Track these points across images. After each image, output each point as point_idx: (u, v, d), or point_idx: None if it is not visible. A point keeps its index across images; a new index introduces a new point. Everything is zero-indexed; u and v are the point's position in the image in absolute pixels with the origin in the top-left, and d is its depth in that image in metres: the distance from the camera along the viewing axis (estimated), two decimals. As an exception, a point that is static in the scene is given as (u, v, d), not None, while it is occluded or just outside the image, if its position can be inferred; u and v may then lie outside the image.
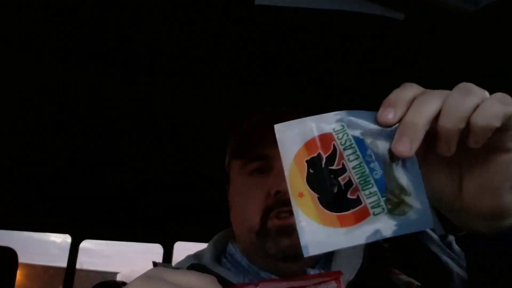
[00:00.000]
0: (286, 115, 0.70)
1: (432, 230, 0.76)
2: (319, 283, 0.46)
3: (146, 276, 0.43)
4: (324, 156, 0.39)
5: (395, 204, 0.38)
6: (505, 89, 0.41)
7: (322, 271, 0.67)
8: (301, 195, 0.39)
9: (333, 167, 0.39)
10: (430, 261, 0.68)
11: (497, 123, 0.37)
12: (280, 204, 0.66)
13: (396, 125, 0.39)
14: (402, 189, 0.38)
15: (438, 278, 0.65)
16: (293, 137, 0.40)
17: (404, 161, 0.38)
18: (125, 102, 1.13)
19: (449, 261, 0.68)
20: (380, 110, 0.40)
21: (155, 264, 0.70)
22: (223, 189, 0.80)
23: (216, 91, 1.04)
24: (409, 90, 0.40)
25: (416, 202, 0.38)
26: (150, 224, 2.12)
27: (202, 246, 0.79)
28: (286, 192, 0.65)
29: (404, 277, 0.65)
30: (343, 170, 0.39)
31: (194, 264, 0.70)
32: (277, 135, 0.40)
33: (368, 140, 0.39)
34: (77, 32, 0.81)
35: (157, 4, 0.73)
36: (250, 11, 0.69)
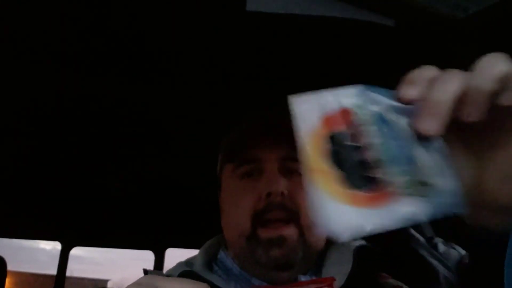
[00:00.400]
0: (278, 118, 0.70)
1: (421, 232, 0.76)
2: (312, 290, 0.46)
3: (137, 284, 0.43)
4: (345, 132, 0.36)
5: (424, 186, 0.35)
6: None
7: (314, 278, 0.67)
8: (319, 172, 0.35)
9: (355, 144, 0.36)
10: (418, 265, 0.68)
11: None
12: (271, 207, 0.66)
13: (419, 103, 0.36)
14: (430, 170, 0.35)
15: (426, 281, 0.66)
16: (311, 110, 0.37)
17: (429, 140, 0.36)
18: (116, 108, 1.12)
19: (436, 263, 0.68)
20: (400, 87, 0.37)
21: (146, 271, 0.70)
22: (215, 196, 0.80)
23: (208, 97, 1.04)
24: (429, 69, 0.38)
25: (445, 184, 0.35)
26: (141, 231, 2.11)
27: (193, 252, 0.78)
28: (277, 194, 0.66)
29: (392, 281, 0.66)
30: (365, 147, 0.36)
31: (186, 271, 0.69)
32: (293, 107, 0.37)
33: (391, 117, 0.36)
34: (70, 33, 0.81)
35: (149, 9, 0.72)
36: (241, 17, 0.69)
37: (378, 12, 0.64)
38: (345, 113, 0.37)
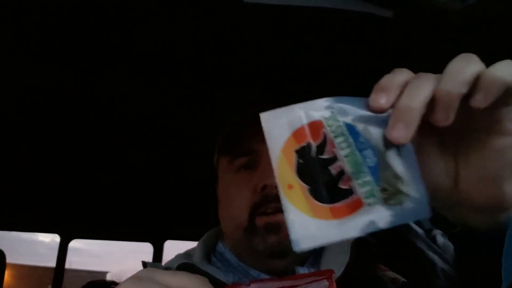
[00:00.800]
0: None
1: (419, 224, 0.76)
2: (311, 282, 0.46)
3: (137, 278, 0.43)
4: (314, 145, 0.37)
5: (390, 193, 0.36)
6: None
7: (312, 269, 0.67)
8: (290, 187, 0.36)
9: (323, 156, 0.37)
10: (416, 257, 0.69)
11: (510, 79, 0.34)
12: (268, 199, 0.66)
13: (390, 110, 0.36)
14: (397, 177, 0.36)
15: (424, 274, 0.66)
16: (281, 126, 0.38)
17: (399, 148, 0.36)
18: (113, 102, 1.12)
19: (434, 256, 0.69)
20: (371, 95, 0.37)
21: (144, 263, 0.70)
22: (212, 188, 0.80)
23: (205, 91, 1.04)
24: (401, 75, 0.37)
25: (413, 191, 0.36)
26: (140, 223, 2.11)
27: (192, 244, 0.78)
28: (273, 187, 0.66)
29: (390, 273, 0.66)
30: (334, 159, 0.37)
31: (184, 263, 0.69)
32: (263, 124, 0.38)
33: (360, 127, 0.37)
34: (71, 32, 0.80)
35: (143, 3, 0.72)
36: (239, 9, 0.69)
37: (376, 3, 0.64)
38: (314, 126, 0.37)
